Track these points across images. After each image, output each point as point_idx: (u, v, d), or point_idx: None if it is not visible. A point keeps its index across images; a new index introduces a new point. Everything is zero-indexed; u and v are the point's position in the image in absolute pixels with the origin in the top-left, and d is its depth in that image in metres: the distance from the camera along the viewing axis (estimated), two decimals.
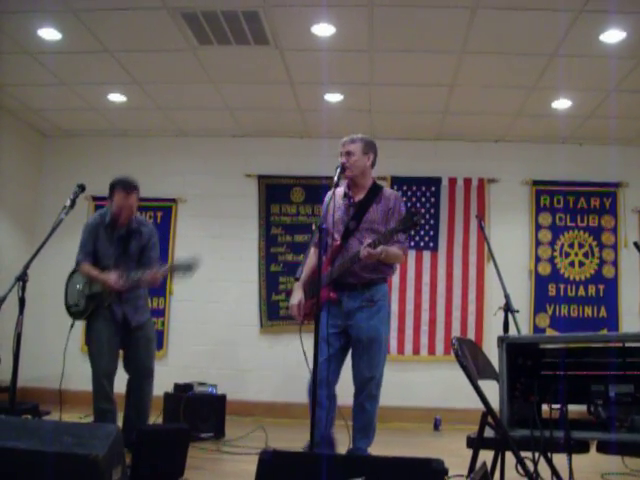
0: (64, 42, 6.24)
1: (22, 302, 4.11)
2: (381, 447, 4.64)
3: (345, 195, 4.88)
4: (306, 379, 4.70)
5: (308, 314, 4.91)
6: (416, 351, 8.20)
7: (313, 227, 4.46)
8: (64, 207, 4.46)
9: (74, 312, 5.37)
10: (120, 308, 5.22)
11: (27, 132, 8.71)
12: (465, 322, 8.19)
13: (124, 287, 5.09)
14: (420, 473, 2.88)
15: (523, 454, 2.82)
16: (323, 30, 5.91)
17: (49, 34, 6.07)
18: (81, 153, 8.93)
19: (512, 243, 8.23)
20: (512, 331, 5.28)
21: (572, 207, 8.33)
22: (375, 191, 4.84)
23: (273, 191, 8.65)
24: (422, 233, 8.34)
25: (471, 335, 8.05)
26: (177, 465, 4.36)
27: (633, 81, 6.58)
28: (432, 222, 8.39)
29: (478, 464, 3.07)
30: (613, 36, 5.73)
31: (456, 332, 8.12)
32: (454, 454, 3.60)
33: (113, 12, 5.68)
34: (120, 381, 5.36)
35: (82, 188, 4.65)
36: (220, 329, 8.41)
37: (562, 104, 7.33)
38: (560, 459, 3.00)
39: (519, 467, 2.82)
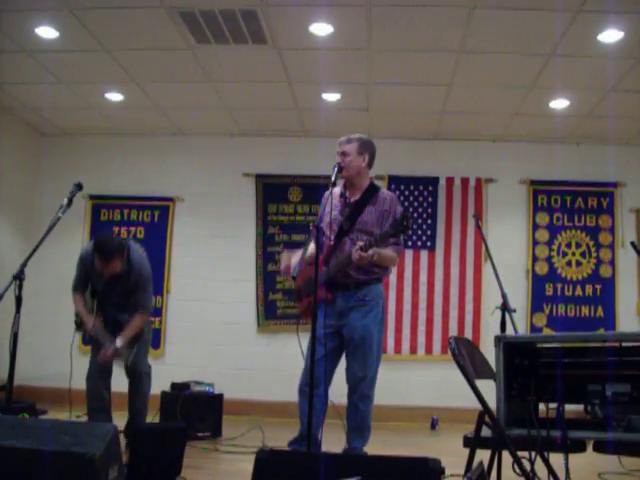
0: (62, 41, 6.23)
1: (19, 301, 4.10)
2: (378, 446, 4.64)
3: (341, 195, 4.88)
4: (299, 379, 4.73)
5: (304, 313, 4.91)
6: (413, 350, 8.20)
7: (310, 227, 4.45)
8: (61, 206, 4.45)
9: (75, 322, 5.49)
10: (116, 316, 5.38)
11: (24, 131, 8.70)
12: (462, 321, 8.20)
13: (95, 335, 5.27)
14: (417, 472, 2.88)
15: (520, 453, 2.82)
16: (321, 29, 5.91)
17: (47, 32, 6.07)
18: (79, 152, 8.92)
19: (509, 243, 8.24)
20: (509, 330, 5.29)
21: (569, 207, 8.34)
22: (371, 192, 4.83)
23: (271, 190, 8.64)
24: (419, 233, 8.34)
25: (468, 334, 8.05)
26: (174, 464, 4.35)
27: (631, 81, 6.58)
28: (429, 222, 8.39)
29: (475, 463, 3.07)
30: (611, 36, 5.73)
31: (453, 331, 8.13)
32: (451, 453, 3.60)
33: (111, 11, 5.67)
34: (120, 381, 5.41)
35: (79, 187, 4.65)
36: (217, 328, 8.40)
37: (560, 104, 7.33)
38: (557, 458, 3.00)
39: (516, 466, 2.82)
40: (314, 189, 8.19)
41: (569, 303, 8.20)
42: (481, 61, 6.39)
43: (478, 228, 6.18)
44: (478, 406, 2.93)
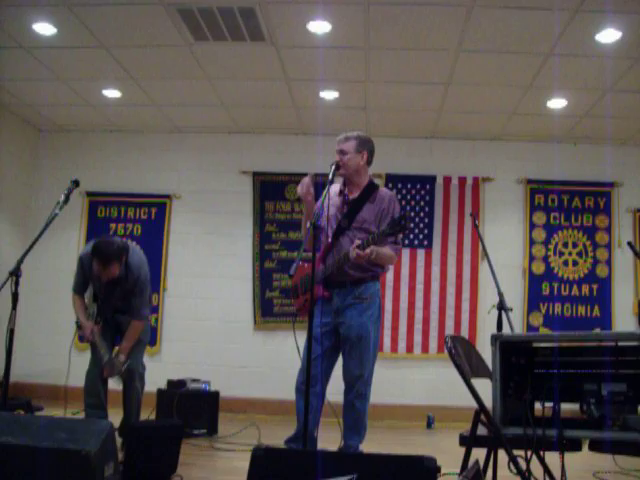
0: (59, 37, 6.22)
1: (15, 297, 4.10)
2: (373, 444, 4.65)
3: (340, 192, 4.87)
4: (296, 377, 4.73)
5: (301, 310, 4.92)
6: (409, 349, 8.21)
7: (307, 225, 4.45)
8: (58, 202, 4.45)
9: (76, 322, 5.45)
10: (117, 319, 5.40)
11: (22, 127, 8.69)
12: (459, 320, 8.20)
13: (91, 340, 5.26)
14: (412, 471, 2.88)
15: (516, 452, 2.82)
16: (319, 27, 5.91)
17: (44, 29, 6.05)
18: (76, 148, 8.91)
19: (506, 242, 8.25)
20: (505, 329, 5.29)
21: (566, 206, 8.35)
22: (370, 190, 4.82)
23: (268, 188, 8.64)
24: (416, 231, 8.35)
25: (464, 333, 8.06)
26: (170, 461, 4.36)
27: (628, 81, 6.59)
28: (426, 220, 8.39)
29: (471, 462, 3.07)
30: (609, 36, 5.74)
31: (450, 330, 8.13)
32: (447, 452, 3.61)
33: (109, 7, 5.66)
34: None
35: (76, 183, 4.66)
36: (214, 326, 8.40)
37: (557, 103, 7.34)
38: (552, 457, 3.01)
39: (511, 465, 2.83)
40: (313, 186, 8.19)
41: (565, 302, 8.20)
42: (479, 60, 6.39)
43: (475, 227, 6.19)
44: (474, 405, 2.93)
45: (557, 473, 3.05)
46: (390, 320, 8.18)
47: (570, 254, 8.28)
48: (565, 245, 8.30)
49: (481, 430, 3.09)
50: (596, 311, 8.15)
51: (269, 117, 8.25)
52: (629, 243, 5.22)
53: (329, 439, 4.74)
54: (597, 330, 7.63)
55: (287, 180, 8.61)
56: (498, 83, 6.90)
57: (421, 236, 8.36)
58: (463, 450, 3.12)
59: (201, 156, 8.80)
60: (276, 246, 8.53)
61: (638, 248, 7.89)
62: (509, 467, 2.85)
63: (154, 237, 8.55)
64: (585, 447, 2.94)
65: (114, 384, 5.39)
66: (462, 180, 8.43)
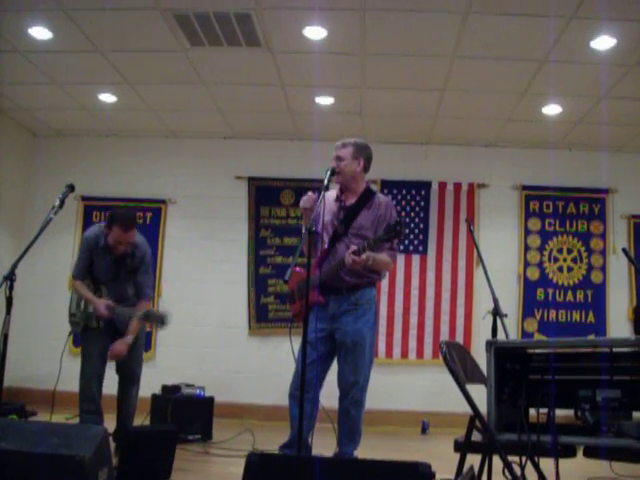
0: (55, 41, 6.21)
1: (9, 302, 4.09)
2: (368, 450, 4.65)
3: (337, 198, 4.88)
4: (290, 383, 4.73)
5: (297, 315, 4.92)
6: (404, 355, 8.20)
7: (303, 230, 4.45)
8: (53, 207, 4.45)
9: (72, 322, 5.40)
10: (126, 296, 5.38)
11: (17, 131, 8.67)
12: (453, 326, 8.20)
13: (110, 317, 5.19)
14: (407, 477, 2.88)
15: (510, 458, 2.82)
16: (315, 33, 5.91)
17: (40, 33, 6.05)
18: (71, 153, 8.90)
19: (501, 248, 8.25)
20: (500, 335, 5.30)
21: (561, 212, 8.36)
22: (367, 196, 4.83)
23: (263, 193, 8.64)
24: (411, 237, 8.35)
25: (459, 339, 8.06)
26: (164, 467, 4.35)
27: (623, 88, 6.60)
28: (422, 226, 8.40)
29: (465, 468, 3.08)
30: (604, 42, 5.75)
31: (444, 336, 8.13)
32: (441, 458, 3.61)
33: (105, 12, 5.66)
34: (111, 383, 5.38)
35: (71, 188, 4.65)
36: (208, 331, 8.39)
37: (552, 110, 7.35)
38: (547, 463, 3.01)
39: (506, 471, 2.83)
40: (306, 193, 8.19)
41: (560, 308, 8.21)
42: (474, 66, 6.40)
43: (470, 233, 6.20)
44: (469, 410, 2.93)
45: (552, 479, 3.05)
46: (385, 326, 8.18)
47: (565, 260, 8.30)
48: (560, 251, 8.31)
49: (476, 436, 3.09)
50: (591, 317, 8.16)
51: (264, 122, 8.25)
52: (624, 249, 5.22)
53: (323, 445, 4.73)
54: (592, 336, 7.66)
55: (282, 185, 8.61)
56: (493, 89, 6.92)
57: (416, 242, 8.37)
58: (458, 456, 3.12)
59: (196, 161, 8.80)
60: (271, 251, 8.53)
61: (633, 254, 7.90)
62: (504, 473, 2.85)
63: (149, 242, 8.46)
64: (580, 453, 2.95)
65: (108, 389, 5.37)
66: (457, 186, 8.44)
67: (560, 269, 8.28)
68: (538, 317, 8.20)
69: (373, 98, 7.33)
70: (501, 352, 2.93)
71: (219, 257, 8.54)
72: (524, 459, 2.86)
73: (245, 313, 8.48)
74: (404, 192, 8.46)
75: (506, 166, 8.53)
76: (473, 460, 3.16)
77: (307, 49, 6.21)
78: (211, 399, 6.71)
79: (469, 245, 8.23)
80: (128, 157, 8.80)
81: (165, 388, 6.71)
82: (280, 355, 7.79)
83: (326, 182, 4.43)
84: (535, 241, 8.36)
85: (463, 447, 3.10)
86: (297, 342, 4.43)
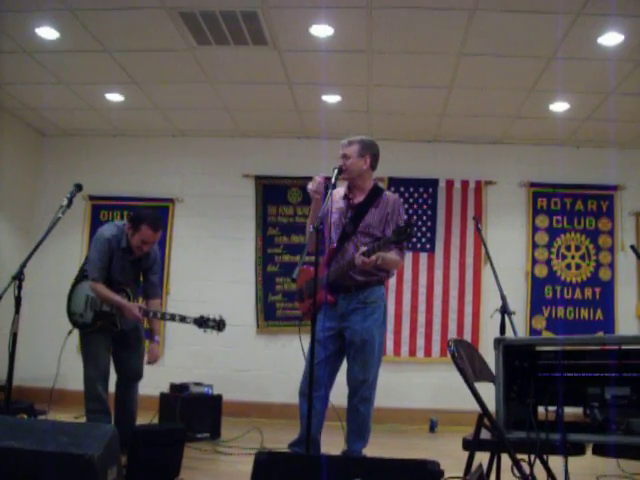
0: (62, 41, 6.23)
1: (18, 301, 4.10)
2: (377, 448, 4.64)
3: (345, 196, 4.87)
4: (299, 381, 4.72)
5: (306, 313, 4.91)
6: (412, 353, 8.20)
7: (311, 228, 4.45)
8: (61, 206, 4.45)
9: (78, 322, 5.33)
10: (119, 322, 5.30)
11: (25, 131, 8.70)
12: (461, 324, 8.19)
13: (141, 320, 5.26)
14: (416, 475, 2.88)
15: (519, 456, 2.82)
16: (321, 31, 5.91)
17: (47, 33, 6.07)
18: (79, 152, 8.92)
19: (509, 245, 8.24)
20: (509, 333, 5.29)
21: (569, 209, 8.34)
22: (375, 194, 4.81)
23: (270, 192, 8.65)
24: (419, 235, 8.34)
25: (467, 337, 8.05)
26: (173, 465, 4.35)
27: (631, 84, 6.58)
28: (429, 224, 8.39)
29: (474, 466, 3.07)
30: (611, 39, 5.74)
31: (452, 334, 8.12)
32: (450, 456, 3.60)
33: (111, 11, 5.68)
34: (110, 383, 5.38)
35: (79, 188, 4.65)
36: None
37: (560, 107, 7.34)
38: (556, 461, 3.00)
39: (515, 469, 2.82)
40: (314, 177, 8.19)
41: (568, 306, 8.19)
42: (481, 63, 6.39)
43: (478, 230, 6.18)
44: (477, 408, 2.93)
45: (560, 477, 3.05)
46: (393, 324, 8.17)
47: (573, 257, 8.28)
48: (568, 248, 8.29)
49: (484, 434, 3.09)
50: (599, 314, 8.14)
51: (272, 121, 8.26)
52: (632, 246, 5.20)
53: (332, 443, 4.74)
54: (600, 333, 7.64)
55: (290, 184, 8.61)
56: (500, 86, 6.90)
57: (424, 240, 8.36)
58: (466, 454, 3.11)
59: (204, 160, 8.81)
60: (279, 250, 8.53)
61: None
62: (512, 471, 2.84)
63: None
64: (589, 451, 2.94)
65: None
66: (465, 183, 8.43)
67: (568, 266, 8.26)
68: (546, 314, 8.19)
69: (380, 96, 7.33)
70: (509, 350, 2.93)
71: (227, 255, 8.55)
72: (533, 457, 2.85)
73: (253, 311, 8.49)
74: (411, 190, 8.45)
75: (513, 163, 8.51)
76: (482, 458, 3.15)
77: (314, 47, 6.21)
78: (219, 397, 6.71)
79: (477, 243, 8.22)
80: (136, 156, 8.81)
81: (173, 387, 6.71)
82: (288, 353, 7.79)
83: (333, 180, 4.42)
84: (543, 238, 8.34)
85: (472, 445, 3.09)
86: (306, 340, 4.43)
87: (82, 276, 5.43)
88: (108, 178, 8.72)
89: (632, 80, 6.50)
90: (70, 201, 4.52)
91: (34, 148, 8.93)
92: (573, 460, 2.91)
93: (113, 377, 5.38)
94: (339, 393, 4.78)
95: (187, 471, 4.50)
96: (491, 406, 2.90)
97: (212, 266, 8.55)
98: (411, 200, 8.42)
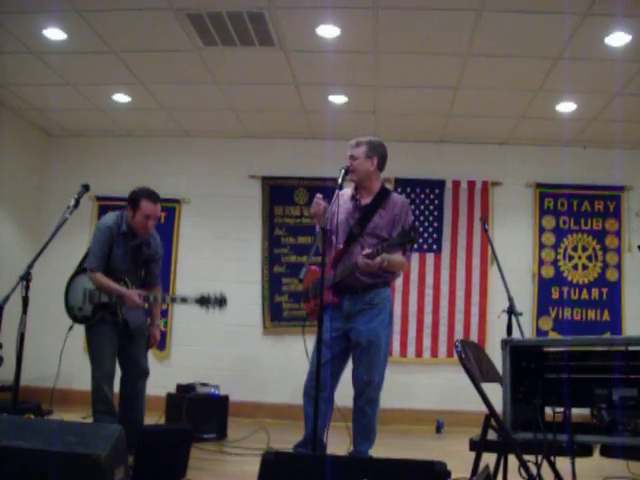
0: (69, 42, 6.24)
1: (25, 301, 4.12)
2: (383, 449, 4.64)
3: (352, 197, 4.86)
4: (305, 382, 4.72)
5: (311, 314, 4.91)
6: (419, 353, 8.19)
7: (317, 229, 4.46)
8: (68, 207, 4.47)
9: (77, 316, 5.34)
10: (120, 312, 5.25)
11: (31, 132, 8.72)
12: (468, 324, 8.18)
13: (143, 306, 5.26)
14: (423, 475, 2.88)
15: (526, 457, 2.82)
16: (328, 32, 5.91)
17: (54, 34, 6.08)
18: (85, 153, 8.94)
19: (515, 246, 8.22)
20: (515, 334, 5.28)
21: (576, 210, 8.32)
22: (383, 196, 4.81)
23: (277, 192, 8.65)
24: (426, 235, 8.34)
25: (474, 337, 8.04)
26: (179, 465, 4.36)
27: (638, 84, 6.56)
28: (436, 224, 8.38)
29: (481, 467, 3.07)
30: (618, 39, 5.72)
31: (459, 335, 8.11)
32: (456, 457, 3.60)
33: (118, 12, 5.69)
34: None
35: (86, 188, 4.67)
36: (223, 330, 8.39)
37: (566, 107, 7.32)
38: (563, 463, 3.00)
39: (522, 470, 2.82)
40: (320, 192, 8.18)
41: (575, 307, 8.17)
42: (488, 64, 6.38)
43: (484, 231, 6.18)
44: (484, 409, 2.93)
45: (568, 479, 3.04)
46: (399, 324, 8.17)
47: (580, 258, 8.26)
48: (575, 249, 8.28)
49: (491, 435, 3.09)
50: (606, 315, 8.12)
51: (278, 121, 8.26)
52: (639, 247, 5.20)
53: (338, 444, 4.74)
54: (607, 334, 7.63)
55: (296, 184, 8.61)
56: (507, 87, 6.89)
57: (430, 240, 8.35)
58: (473, 455, 3.12)
59: (210, 160, 8.82)
60: (285, 250, 8.54)
61: None
62: (519, 472, 2.84)
63: (163, 241, 8.54)
64: (596, 452, 2.94)
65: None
66: (471, 184, 8.42)
67: (575, 267, 8.24)
68: (553, 315, 8.17)
69: (386, 96, 7.33)
70: (517, 351, 2.92)
71: (233, 256, 8.55)
72: (540, 458, 2.85)
73: (259, 312, 8.50)
74: (418, 190, 8.45)
75: (520, 164, 8.50)
76: (488, 459, 3.15)
77: (320, 48, 6.21)
78: (226, 398, 6.72)
79: (483, 243, 8.21)
80: (142, 157, 8.82)
81: (180, 387, 6.72)
82: (294, 354, 7.79)
83: (340, 181, 4.42)
84: (550, 239, 8.32)
85: (478, 446, 3.10)
86: (311, 341, 4.43)
87: (79, 270, 5.44)
88: (114, 179, 8.72)
89: (639, 80, 6.48)
90: (77, 201, 4.54)
91: (40, 149, 8.95)
92: (580, 461, 2.90)
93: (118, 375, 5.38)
94: (344, 394, 4.79)
95: (193, 471, 4.51)
96: (498, 407, 2.90)
97: (218, 267, 8.56)
98: (417, 201, 8.42)
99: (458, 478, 3.62)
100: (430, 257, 8.34)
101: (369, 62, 6.48)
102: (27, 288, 4.11)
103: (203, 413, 6.42)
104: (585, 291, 8.19)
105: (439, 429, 7.58)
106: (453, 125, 8.05)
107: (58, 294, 8.14)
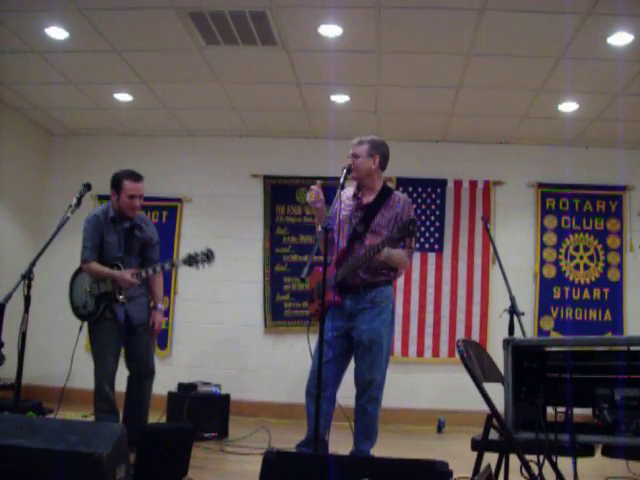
0: (71, 41, 6.25)
1: (27, 300, 4.12)
2: (384, 449, 4.64)
3: (354, 196, 4.86)
4: (307, 381, 4.72)
5: (314, 314, 4.91)
6: (420, 353, 8.19)
7: (319, 229, 4.46)
8: (70, 206, 4.47)
9: (84, 314, 5.33)
10: (123, 307, 5.22)
11: (33, 130, 8.73)
12: (470, 324, 8.18)
13: (138, 283, 5.18)
14: (424, 475, 2.88)
15: (528, 457, 2.81)
16: (330, 31, 5.91)
17: (56, 33, 6.09)
18: (87, 152, 8.94)
19: (517, 245, 8.22)
20: (517, 333, 5.28)
21: (578, 210, 8.32)
22: (385, 194, 4.80)
23: (279, 191, 8.65)
24: (427, 235, 8.33)
25: (475, 337, 8.04)
26: (180, 464, 4.36)
27: None
28: (437, 224, 8.38)
29: (482, 467, 3.07)
30: (621, 39, 5.71)
31: (460, 334, 8.11)
32: (458, 456, 3.60)
33: (120, 11, 5.69)
34: (120, 380, 5.36)
35: (88, 187, 4.68)
36: (224, 329, 8.41)
37: (569, 107, 7.32)
38: (565, 462, 3.00)
39: (523, 470, 2.82)
40: (322, 191, 8.20)
41: (577, 307, 8.17)
42: (490, 63, 6.38)
43: (486, 231, 6.18)
44: (485, 409, 2.92)
45: (569, 478, 3.04)
46: (401, 324, 8.17)
47: (581, 258, 8.25)
48: (576, 249, 8.27)
49: (493, 434, 3.08)
50: (607, 315, 8.12)
51: (280, 121, 8.26)
52: None
53: (340, 443, 4.74)
54: (609, 334, 7.62)
55: (298, 184, 8.61)
56: (509, 86, 6.89)
57: (432, 240, 8.35)
58: (474, 455, 3.11)
59: (212, 160, 8.82)
60: (287, 249, 8.54)
61: None
62: (521, 472, 2.84)
63: (165, 240, 8.53)
64: (598, 452, 2.93)
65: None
66: (473, 184, 8.42)
67: (577, 267, 8.24)
68: (554, 315, 8.17)
69: (388, 96, 7.33)
70: (518, 350, 2.92)
71: (235, 255, 8.54)
72: (542, 458, 2.84)
73: (261, 311, 8.50)
74: (420, 190, 8.44)
75: (522, 163, 8.49)
76: (490, 459, 3.15)
77: (322, 47, 6.21)
78: (227, 397, 6.72)
79: (485, 243, 8.20)
80: (144, 156, 8.80)
81: (181, 386, 6.72)
82: (296, 353, 7.81)
83: (342, 180, 4.43)
84: (551, 239, 8.32)
85: (480, 446, 3.09)
86: (314, 340, 4.43)
87: (78, 270, 5.45)
88: None
89: None
90: (79, 200, 4.55)
91: (42, 147, 8.96)
92: (582, 461, 2.90)
93: (122, 374, 5.37)
94: (347, 393, 4.78)
95: (195, 470, 4.51)
96: (499, 407, 2.90)
97: (220, 266, 8.50)
98: (419, 200, 8.41)
99: (460, 478, 3.62)
100: (432, 257, 8.34)
101: (371, 61, 6.48)
102: (29, 287, 4.12)
103: (204, 412, 6.42)
104: (587, 291, 8.18)
105: (440, 429, 7.58)
106: (455, 124, 8.05)
107: (60, 293, 8.15)
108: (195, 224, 8.70)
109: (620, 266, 8.21)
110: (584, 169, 8.35)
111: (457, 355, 3.01)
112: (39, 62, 6.71)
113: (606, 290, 8.17)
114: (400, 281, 8.05)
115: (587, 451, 2.92)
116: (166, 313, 8.34)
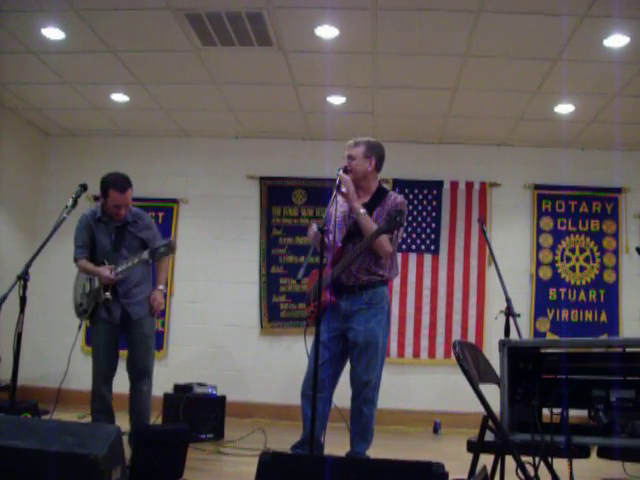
0: (68, 42, 6.24)
1: (23, 301, 4.11)
2: (380, 450, 4.64)
3: None
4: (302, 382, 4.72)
5: (310, 317, 4.90)
6: (416, 354, 8.19)
7: (315, 228, 4.45)
8: (66, 206, 4.47)
9: (80, 312, 5.34)
10: (119, 304, 5.21)
11: (30, 131, 8.72)
12: (466, 325, 8.18)
13: (116, 279, 5.10)
14: (420, 476, 2.87)
15: (523, 458, 2.81)
16: (327, 32, 5.91)
17: (53, 33, 6.08)
18: (83, 152, 8.93)
19: (513, 247, 8.23)
20: (513, 335, 5.28)
21: (574, 212, 8.33)
22: (380, 195, 4.82)
23: (275, 193, 8.65)
24: (423, 236, 8.34)
25: (471, 339, 8.04)
26: (176, 466, 4.35)
27: (636, 86, 6.57)
28: (433, 225, 8.38)
29: (478, 468, 3.07)
30: (617, 41, 5.73)
31: (456, 336, 8.11)
32: (454, 458, 3.59)
33: (117, 12, 5.69)
34: (122, 381, 5.36)
35: (84, 188, 4.67)
36: (220, 330, 8.40)
37: (565, 109, 7.33)
38: (560, 464, 3.00)
39: (519, 471, 2.82)
40: (318, 192, 8.22)
41: (572, 308, 8.18)
42: (486, 65, 6.38)
43: (482, 232, 6.18)
44: (481, 410, 2.92)
45: None
46: (397, 325, 8.17)
47: (577, 260, 8.26)
48: (572, 251, 8.28)
49: (489, 436, 3.08)
50: (603, 317, 8.13)
51: (276, 122, 8.26)
52: (637, 249, 5.22)
53: (336, 445, 4.73)
54: (604, 336, 7.63)
55: (294, 185, 8.61)
56: (505, 88, 6.90)
57: (428, 241, 8.35)
58: (470, 456, 3.11)
59: (208, 161, 8.82)
60: (283, 251, 8.54)
61: None
62: (517, 473, 2.84)
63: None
64: (593, 454, 2.94)
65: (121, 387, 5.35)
66: (469, 185, 8.43)
67: (572, 269, 8.25)
68: (550, 317, 8.18)
69: (385, 97, 7.33)
70: (514, 352, 2.92)
71: (231, 256, 8.55)
72: (537, 459, 2.84)
73: (257, 312, 8.49)
74: (416, 191, 8.45)
75: (518, 165, 8.50)
76: (486, 460, 3.15)
77: (319, 48, 6.21)
78: (223, 398, 6.72)
79: (481, 244, 8.21)
80: (140, 157, 8.81)
81: (177, 387, 6.72)
82: (292, 354, 7.81)
83: (338, 182, 4.44)
84: (547, 240, 8.33)
85: (476, 447, 3.09)
86: (310, 342, 4.43)
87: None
88: None
89: (637, 82, 6.49)
90: (75, 201, 4.54)
91: (38, 148, 8.95)
92: (578, 463, 2.90)
93: (121, 375, 5.37)
94: (343, 394, 4.78)
95: (191, 472, 4.50)
96: (495, 408, 2.90)
97: (216, 267, 8.56)
98: (416, 202, 8.42)
99: (456, 479, 3.62)
100: (428, 258, 8.34)
101: (367, 63, 6.48)
102: (25, 288, 4.11)
103: (200, 413, 6.42)
104: (582, 292, 8.19)
105: (436, 430, 7.58)
106: (451, 126, 8.05)
107: (56, 294, 8.18)
108: (191, 225, 8.69)
109: (616, 268, 8.22)
110: (580, 171, 8.36)
111: (453, 356, 3.01)
112: (35, 62, 6.70)
113: (602, 292, 8.18)
114: (396, 282, 8.06)
115: (583, 452, 2.92)
116: (162, 314, 8.34)
